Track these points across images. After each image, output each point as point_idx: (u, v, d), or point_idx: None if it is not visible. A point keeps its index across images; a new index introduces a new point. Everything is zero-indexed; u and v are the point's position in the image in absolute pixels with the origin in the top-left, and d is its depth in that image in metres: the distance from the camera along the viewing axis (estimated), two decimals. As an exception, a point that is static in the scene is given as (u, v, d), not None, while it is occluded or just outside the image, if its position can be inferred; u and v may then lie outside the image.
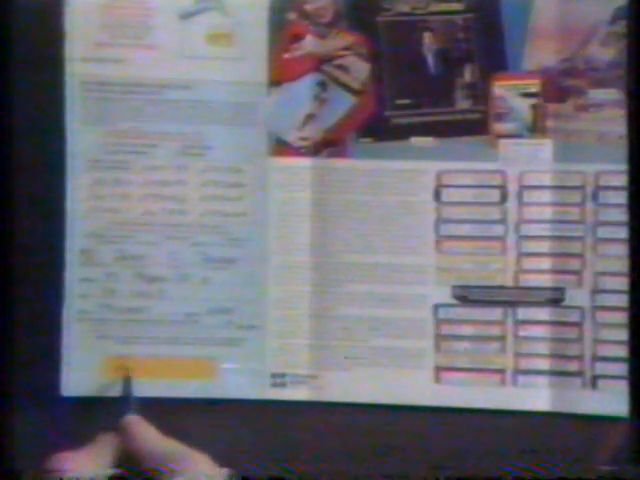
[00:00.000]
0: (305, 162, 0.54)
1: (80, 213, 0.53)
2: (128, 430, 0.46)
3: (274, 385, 0.54)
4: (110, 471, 0.44)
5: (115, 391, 0.52)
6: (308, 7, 0.54)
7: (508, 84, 0.53)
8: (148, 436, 0.46)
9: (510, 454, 0.52)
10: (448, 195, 0.53)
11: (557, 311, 0.53)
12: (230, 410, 0.52)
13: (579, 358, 0.53)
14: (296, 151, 0.54)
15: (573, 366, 0.53)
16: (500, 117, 0.53)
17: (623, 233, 0.52)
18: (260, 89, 0.54)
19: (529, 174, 0.53)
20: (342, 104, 0.54)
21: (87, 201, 0.53)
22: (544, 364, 0.53)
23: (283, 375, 0.54)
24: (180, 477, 0.42)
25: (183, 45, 0.53)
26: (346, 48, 0.54)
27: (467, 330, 0.53)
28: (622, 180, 0.52)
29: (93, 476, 0.43)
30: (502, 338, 0.53)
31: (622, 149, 0.52)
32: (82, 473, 0.43)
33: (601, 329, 0.52)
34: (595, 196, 0.53)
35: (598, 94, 0.52)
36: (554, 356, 0.53)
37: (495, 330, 0.53)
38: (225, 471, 0.44)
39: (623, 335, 0.51)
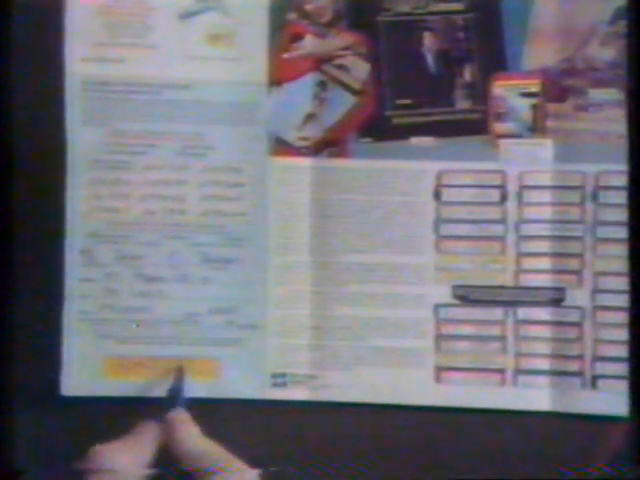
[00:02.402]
0: (305, 162, 0.54)
1: (80, 213, 0.53)
2: (173, 425, 0.46)
3: (274, 385, 0.54)
4: (149, 471, 0.44)
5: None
6: (308, 7, 0.54)
7: (508, 84, 0.53)
8: (191, 434, 0.46)
9: (510, 454, 0.52)
10: (448, 195, 0.53)
11: (557, 311, 0.53)
12: (230, 410, 0.52)
13: (579, 358, 0.53)
14: (296, 151, 0.54)
15: (573, 366, 0.53)
16: (500, 117, 0.53)
17: (623, 233, 0.52)
18: (260, 89, 0.54)
19: (529, 174, 0.53)
20: (342, 104, 0.54)
21: (87, 201, 0.53)
22: (544, 364, 0.53)
23: (283, 375, 0.54)
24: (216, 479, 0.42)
25: (183, 45, 0.53)
26: (346, 48, 0.54)
27: (467, 330, 0.53)
28: (622, 180, 0.52)
29: (132, 471, 0.43)
30: (502, 338, 0.53)
31: (622, 149, 0.52)
32: (122, 467, 0.42)
33: (601, 329, 0.52)
34: (595, 196, 0.53)
35: (598, 94, 0.52)
36: (554, 356, 0.53)
37: (495, 330, 0.53)
38: (255, 472, 0.44)
39: (623, 335, 0.51)
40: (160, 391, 0.53)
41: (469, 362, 0.53)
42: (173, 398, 0.50)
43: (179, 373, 0.52)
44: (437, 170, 0.53)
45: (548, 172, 0.53)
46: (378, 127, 0.54)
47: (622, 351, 0.52)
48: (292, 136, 0.54)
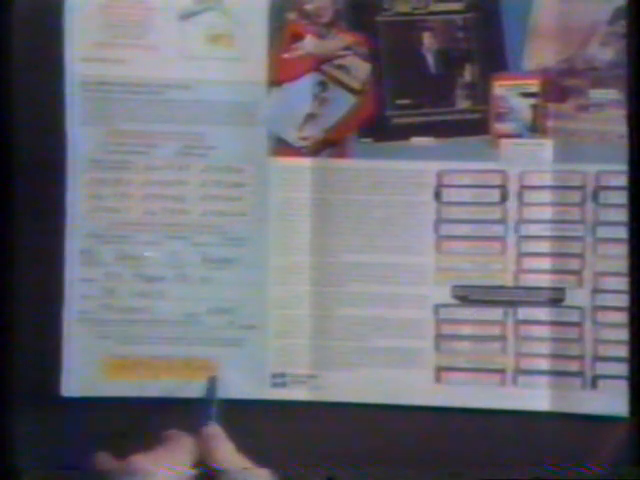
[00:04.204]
0: (305, 162, 0.54)
1: (80, 213, 0.53)
2: (207, 441, 0.45)
3: (274, 385, 0.54)
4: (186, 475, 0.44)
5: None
6: (308, 7, 0.54)
7: (508, 84, 0.53)
8: (225, 452, 0.45)
9: (510, 454, 0.52)
10: (448, 195, 0.53)
11: (557, 311, 0.53)
12: (230, 410, 0.52)
13: (579, 358, 0.53)
14: (296, 151, 0.54)
15: (573, 366, 0.53)
16: (500, 117, 0.53)
17: (623, 233, 0.52)
18: (260, 89, 0.54)
19: (529, 174, 0.53)
20: (342, 104, 0.54)
21: (87, 201, 0.53)
22: (544, 364, 0.53)
23: (283, 375, 0.54)
24: None
25: (183, 45, 0.53)
26: (346, 48, 0.54)
27: (467, 330, 0.53)
28: (622, 180, 0.52)
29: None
30: (502, 338, 0.53)
31: (622, 149, 0.52)
32: (158, 474, 0.42)
33: (601, 329, 0.52)
34: (595, 196, 0.53)
35: (598, 94, 0.52)
36: (554, 356, 0.53)
37: (495, 330, 0.53)
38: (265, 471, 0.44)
39: (623, 335, 0.51)
40: (161, 391, 0.53)
41: (469, 362, 0.53)
42: (206, 410, 0.49)
43: (212, 383, 0.52)
44: (437, 170, 0.53)
45: (548, 172, 0.53)
46: (378, 127, 0.54)
47: (622, 351, 0.52)
48: (292, 136, 0.54)
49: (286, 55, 0.54)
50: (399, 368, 0.53)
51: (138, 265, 0.54)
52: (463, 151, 0.53)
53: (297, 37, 0.54)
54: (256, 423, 0.53)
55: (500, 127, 0.53)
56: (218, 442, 0.46)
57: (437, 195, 0.53)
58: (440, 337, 0.53)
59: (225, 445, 0.46)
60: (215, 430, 0.47)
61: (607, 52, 0.52)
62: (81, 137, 0.53)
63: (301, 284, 0.54)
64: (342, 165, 0.53)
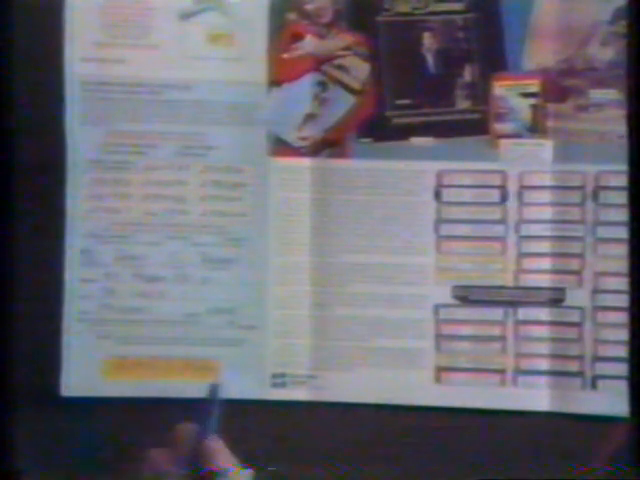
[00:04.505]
0: (305, 162, 0.54)
1: (80, 213, 0.53)
2: (209, 454, 0.43)
3: (274, 385, 0.54)
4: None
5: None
6: (308, 7, 0.54)
7: (508, 84, 0.53)
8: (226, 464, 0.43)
9: (510, 454, 0.52)
10: (448, 195, 0.53)
11: (557, 311, 0.53)
12: (230, 410, 0.52)
13: (579, 358, 0.53)
14: (296, 151, 0.54)
15: (573, 366, 0.53)
16: (500, 117, 0.53)
17: (623, 233, 0.52)
18: (260, 89, 0.54)
19: (529, 174, 0.53)
20: (342, 104, 0.54)
21: (87, 201, 0.53)
22: (544, 364, 0.53)
23: (283, 375, 0.54)
24: None
25: (183, 45, 0.53)
26: (346, 48, 0.54)
27: (467, 330, 0.53)
28: (622, 180, 0.52)
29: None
30: (502, 338, 0.53)
31: (622, 149, 0.52)
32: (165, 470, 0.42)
33: (601, 329, 0.52)
34: (595, 196, 0.53)
35: (598, 94, 0.52)
36: (554, 356, 0.53)
37: (495, 330, 0.53)
38: (248, 472, 0.43)
39: (623, 335, 0.51)
40: (161, 392, 0.53)
41: (469, 362, 0.53)
42: (207, 422, 0.45)
43: (213, 393, 0.47)
44: (437, 170, 0.53)
45: (548, 172, 0.53)
46: (378, 127, 0.54)
47: (622, 351, 0.52)
48: (292, 136, 0.54)
49: (286, 55, 0.54)
50: (399, 368, 0.53)
51: (138, 265, 0.54)
52: (463, 151, 0.53)
53: (297, 37, 0.54)
54: (256, 423, 0.53)
55: (500, 127, 0.53)
56: (219, 455, 0.43)
57: (437, 195, 0.53)
58: (440, 337, 0.53)
59: (226, 458, 0.43)
60: (216, 445, 0.44)
61: (607, 52, 0.52)
62: (81, 137, 0.53)
63: (301, 284, 0.54)
64: (342, 165, 0.53)
